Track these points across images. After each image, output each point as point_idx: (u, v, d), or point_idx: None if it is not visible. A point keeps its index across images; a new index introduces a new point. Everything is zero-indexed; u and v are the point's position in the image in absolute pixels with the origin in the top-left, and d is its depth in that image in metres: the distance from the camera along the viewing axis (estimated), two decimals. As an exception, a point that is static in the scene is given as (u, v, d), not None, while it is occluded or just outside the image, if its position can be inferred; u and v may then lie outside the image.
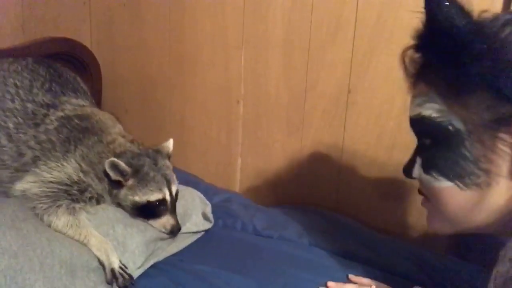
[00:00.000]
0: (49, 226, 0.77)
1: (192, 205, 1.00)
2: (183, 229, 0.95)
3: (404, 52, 0.61)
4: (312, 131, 1.19)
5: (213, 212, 1.03)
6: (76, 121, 0.89)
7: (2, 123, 0.87)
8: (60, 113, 0.90)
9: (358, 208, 1.16)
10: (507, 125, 0.50)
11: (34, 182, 0.80)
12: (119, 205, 0.87)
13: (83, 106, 0.96)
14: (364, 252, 0.95)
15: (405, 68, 0.61)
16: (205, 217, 1.01)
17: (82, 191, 0.83)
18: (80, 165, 0.84)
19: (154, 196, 0.85)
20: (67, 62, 1.27)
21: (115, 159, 0.82)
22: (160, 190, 0.85)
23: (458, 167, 0.54)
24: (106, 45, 1.35)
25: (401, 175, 0.63)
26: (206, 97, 1.28)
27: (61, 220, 0.78)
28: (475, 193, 0.54)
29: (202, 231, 1.00)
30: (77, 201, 0.82)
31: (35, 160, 0.84)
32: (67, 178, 0.82)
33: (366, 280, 0.84)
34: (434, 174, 0.57)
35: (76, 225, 0.78)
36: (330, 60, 1.14)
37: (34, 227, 0.73)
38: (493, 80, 0.49)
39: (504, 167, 0.51)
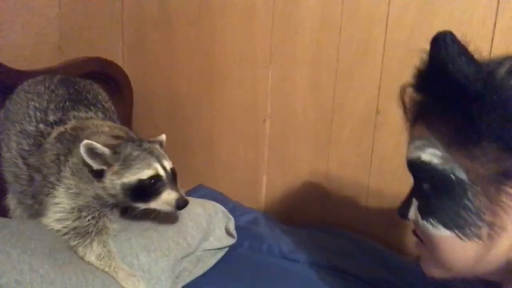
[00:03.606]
0: (83, 257, 0.78)
1: (216, 219, 0.98)
2: (207, 246, 0.94)
3: (403, 89, 0.58)
4: (339, 151, 1.18)
5: (240, 233, 1.03)
6: (70, 132, 0.82)
7: (20, 146, 0.85)
8: (61, 129, 0.83)
9: (386, 232, 1.14)
10: None
11: (53, 220, 0.78)
12: (110, 196, 0.77)
13: (90, 118, 0.88)
14: (392, 279, 0.93)
15: (404, 106, 0.58)
16: (228, 232, 1.00)
17: (85, 216, 0.79)
18: (68, 188, 0.77)
19: (145, 174, 0.75)
20: (100, 80, 1.32)
21: (90, 141, 0.72)
22: (150, 165, 0.75)
23: (459, 217, 0.51)
24: (138, 64, 1.39)
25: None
26: (233, 115, 1.30)
27: (95, 252, 0.78)
28: (476, 245, 0.51)
29: (226, 247, 0.99)
30: (93, 226, 0.79)
31: (42, 190, 0.81)
32: (71, 209, 0.78)
33: None
34: (432, 221, 0.54)
35: (108, 257, 0.79)
36: (359, 80, 1.12)
37: (69, 258, 0.75)
38: (501, 133, 0.47)
39: (508, 222, 0.49)
